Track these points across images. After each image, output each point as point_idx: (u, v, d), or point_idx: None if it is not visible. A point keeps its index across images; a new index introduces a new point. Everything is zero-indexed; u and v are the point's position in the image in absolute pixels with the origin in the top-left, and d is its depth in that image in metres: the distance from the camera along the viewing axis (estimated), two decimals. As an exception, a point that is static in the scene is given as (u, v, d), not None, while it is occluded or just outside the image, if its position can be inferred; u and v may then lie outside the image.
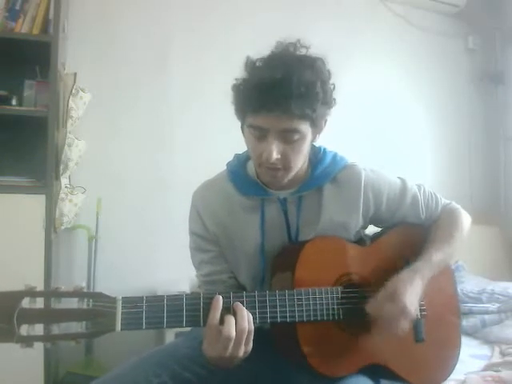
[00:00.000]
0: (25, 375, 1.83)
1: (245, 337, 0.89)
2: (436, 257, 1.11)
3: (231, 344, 0.88)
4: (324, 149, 1.18)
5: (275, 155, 1.00)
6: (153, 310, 0.87)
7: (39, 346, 1.84)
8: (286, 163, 1.03)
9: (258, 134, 1.01)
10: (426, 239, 1.16)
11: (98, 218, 2.31)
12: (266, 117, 0.98)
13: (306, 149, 1.06)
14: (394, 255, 1.14)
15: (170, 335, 2.07)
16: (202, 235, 1.16)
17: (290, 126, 0.99)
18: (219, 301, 0.90)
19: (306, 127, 1.01)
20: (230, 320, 0.89)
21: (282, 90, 0.95)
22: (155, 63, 2.54)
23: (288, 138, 1.00)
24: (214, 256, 1.15)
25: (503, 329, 2.02)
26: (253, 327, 0.91)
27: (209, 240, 1.15)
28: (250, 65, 1.04)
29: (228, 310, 0.91)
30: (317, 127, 1.06)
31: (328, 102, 1.05)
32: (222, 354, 0.88)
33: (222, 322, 0.89)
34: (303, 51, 1.04)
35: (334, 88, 1.06)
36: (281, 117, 0.97)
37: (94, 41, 2.40)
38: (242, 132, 1.10)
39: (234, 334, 0.88)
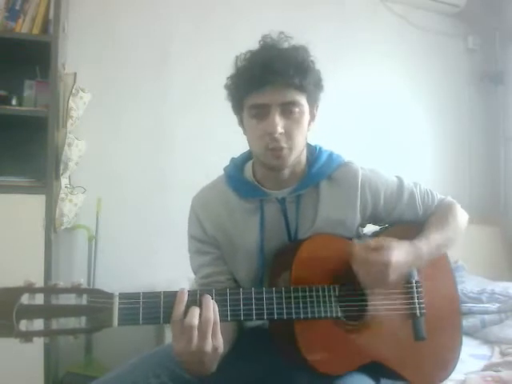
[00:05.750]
0: (25, 375, 1.83)
1: (210, 328, 0.87)
2: (433, 238, 1.11)
3: (195, 334, 0.85)
4: (320, 147, 1.19)
5: (279, 129, 1.02)
6: (149, 306, 0.88)
7: (39, 346, 1.84)
8: (288, 140, 1.04)
9: (260, 113, 1.03)
10: (423, 226, 1.17)
11: (98, 218, 2.31)
12: (268, 91, 1.01)
13: (305, 126, 1.08)
14: None
15: (169, 335, 2.07)
16: (201, 239, 1.16)
17: (291, 97, 1.03)
18: (184, 294, 0.89)
19: (304, 101, 1.05)
20: (193, 310, 0.87)
21: (279, 63, 1.00)
22: (155, 63, 2.54)
23: (289, 111, 1.04)
24: (214, 258, 1.16)
25: (503, 329, 2.02)
26: (218, 318, 0.89)
27: (208, 243, 1.16)
28: (242, 57, 1.07)
29: (195, 302, 0.89)
30: (311, 107, 1.09)
31: (318, 84, 1.09)
32: (187, 347, 0.86)
33: (185, 315, 0.87)
34: (286, 44, 1.07)
35: (320, 73, 1.10)
36: (281, 89, 1.01)
37: (93, 41, 2.40)
38: (242, 125, 1.12)
39: (195, 322, 0.86)
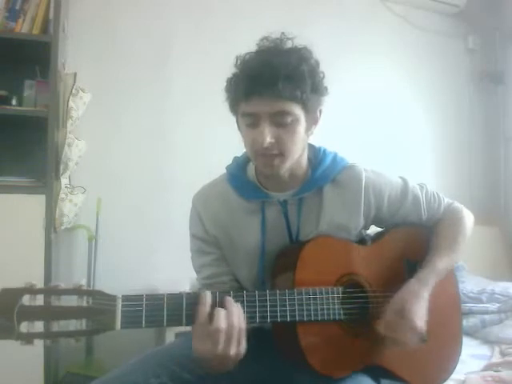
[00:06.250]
0: (25, 375, 1.83)
1: (236, 333, 0.87)
2: (441, 264, 1.11)
3: (221, 338, 0.86)
4: (324, 149, 1.18)
5: (268, 139, 1.00)
6: (152, 309, 0.87)
7: (39, 346, 1.84)
8: (281, 147, 1.02)
9: (251, 122, 1.02)
10: (430, 244, 1.16)
11: (98, 218, 2.31)
12: (257, 102, 0.99)
13: (301, 133, 1.05)
14: (396, 256, 1.14)
15: (170, 335, 2.07)
16: (202, 238, 1.16)
17: (281, 108, 1.00)
18: (207, 296, 0.89)
19: (297, 110, 1.02)
20: (220, 312, 0.88)
21: (269, 73, 0.97)
22: (155, 63, 2.54)
23: (280, 121, 1.01)
24: (216, 258, 1.15)
25: (503, 329, 2.02)
26: (244, 325, 0.90)
27: (210, 243, 1.15)
28: (240, 59, 1.06)
29: (219, 305, 0.90)
30: (310, 113, 1.05)
31: (318, 89, 1.05)
32: (213, 350, 0.86)
33: (211, 318, 0.88)
34: (289, 43, 1.05)
35: (323, 76, 1.07)
36: (270, 100, 0.99)
37: (94, 41, 2.40)
38: (238, 127, 1.11)
39: (223, 325, 0.86)
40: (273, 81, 0.97)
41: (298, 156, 1.08)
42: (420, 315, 1.01)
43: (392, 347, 1.02)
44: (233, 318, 0.88)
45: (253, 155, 1.06)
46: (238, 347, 0.88)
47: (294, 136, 1.03)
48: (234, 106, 1.06)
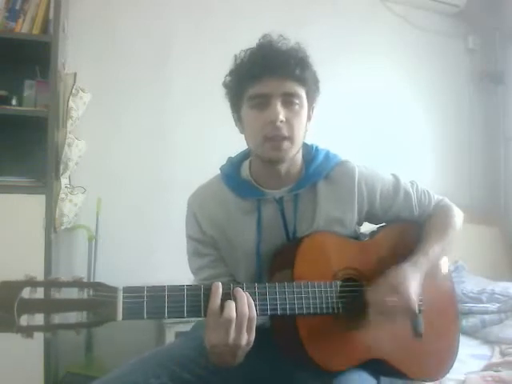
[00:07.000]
0: (25, 375, 1.83)
1: (246, 321, 0.89)
2: (432, 251, 1.13)
3: (232, 327, 0.87)
4: (316, 147, 1.20)
5: (281, 117, 1.02)
6: (154, 300, 0.87)
7: (40, 346, 1.84)
8: (289, 130, 1.04)
9: (261, 103, 1.04)
10: (421, 235, 1.18)
11: (98, 218, 2.31)
12: (268, 81, 1.02)
13: (304, 120, 1.08)
14: (392, 251, 1.15)
15: (170, 335, 2.07)
16: (199, 239, 1.16)
17: (292, 88, 1.04)
18: (219, 287, 0.90)
19: (303, 94, 1.06)
20: (230, 303, 0.89)
21: (281, 55, 1.03)
22: (155, 63, 2.54)
23: (289, 102, 1.04)
24: (213, 260, 1.15)
25: (503, 329, 2.02)
26: (254, 313, 0.91)
27: (206, 244, 1.15)
28: (242, 53, 1.08)
29: (229, 295, 0.91)
30: (310, 102, 1.09)
31: (316, 83, 1.11)
32: (224, 339, 0.88)
33: (222, 308, 0.89)
34: (285, 46, 1.07)
35: (317, 75, 1.11)
36: (281, 79, 1.03)
37: (94, 41, 2.40)
38: (239, 124, 1.12)
39: (234, 315, 0.88)
40: (285, 60, 1.01)
41: (300, 145, 1.10)
42: (414, 291, 1.03)
43: (380, 323, 1.04)
44: (243, 307, 0.89)
45: (260, 141, 1.05)
46: (249, 336, 0.90)
47: (299, 121, 1.06)
48: (240, 94, 1.07)
